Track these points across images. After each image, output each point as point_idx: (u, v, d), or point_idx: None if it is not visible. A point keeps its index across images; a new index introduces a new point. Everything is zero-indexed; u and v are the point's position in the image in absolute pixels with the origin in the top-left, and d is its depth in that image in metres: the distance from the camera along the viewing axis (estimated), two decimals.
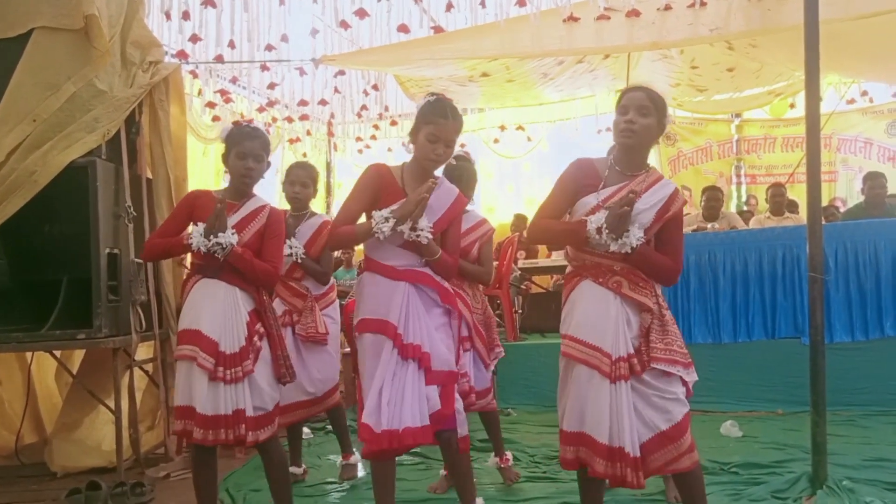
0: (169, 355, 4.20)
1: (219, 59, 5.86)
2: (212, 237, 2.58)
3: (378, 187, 2.59)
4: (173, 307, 4.23)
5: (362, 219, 2.62)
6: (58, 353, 4.13)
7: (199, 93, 6.25)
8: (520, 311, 6.65)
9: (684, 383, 2.33)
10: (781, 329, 5.14)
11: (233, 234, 2.62)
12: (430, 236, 2.51)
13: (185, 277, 2.83)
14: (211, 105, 6.35)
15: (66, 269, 3.71)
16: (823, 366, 3.15)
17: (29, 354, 4.23)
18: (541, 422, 4.85)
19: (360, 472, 3.75)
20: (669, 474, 2.32)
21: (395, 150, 8.87)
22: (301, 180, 3.62)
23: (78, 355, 4.21)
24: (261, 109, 7.21)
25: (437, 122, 2.50)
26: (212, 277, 2.67)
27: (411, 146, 2.61)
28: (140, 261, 3.95)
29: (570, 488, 3.39)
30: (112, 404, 3.79)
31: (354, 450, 3.75)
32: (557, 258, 7.42)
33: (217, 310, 2.64)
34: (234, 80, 6.69)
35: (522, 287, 6.77)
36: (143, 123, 4.14)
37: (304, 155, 8.18)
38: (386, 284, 2.54)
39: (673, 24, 5.21)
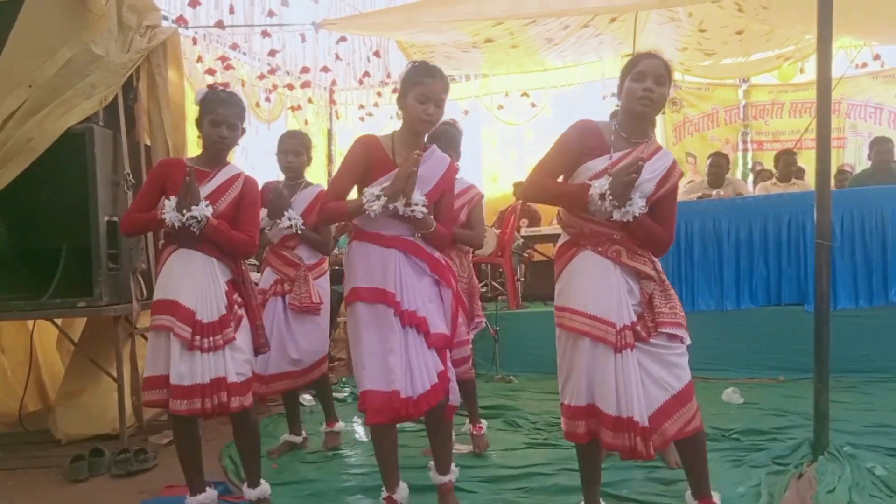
0: None
1: (219, 24, 5.78)
2: (185, 211, 2.53)
3: (367, 160, 2.56)
4: None
5: (353, 193, 2.61)
6: (59, 321, 4.13)
7: (199, 59, 6.16)
8: (522, 279, 6.63)
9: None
10: (785, 296, 5.11)
11: (207, 205, 2.56)
12: (425, 211, 2.49)
13: (160, 247, 2.77)
14: (211, 72, 6.27)
15: (65, 237, 3.70)
16: (828, 333, 3.12)
17: (30, 323, 4.25)
18: (542, 389, 4.86)
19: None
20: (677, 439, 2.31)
21: (396, 118, 8.79)
22: (293, 149, 3.57)
23: (79, 323, 4.22)
24: (262, 77, 7.12)
25: (424, 81, 2.49)
26: (188, 248, 2.63)
27: (400, 113, 2.59)
28: None
29: (570, 454, 3.37)
30: (114, 372, 3.80)
31: (338, 418, 3.80)
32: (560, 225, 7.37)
33: (195, 280, 2.60)
34: (234, 47, 6.59)
35: (525, 255, 6.73)
36: (141, 89, 4.08)
37: (306, 122, 8.11)
38: (377, 253, 2.53)
39: None
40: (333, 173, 8.51)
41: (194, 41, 5.97)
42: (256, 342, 2.73)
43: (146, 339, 4.19)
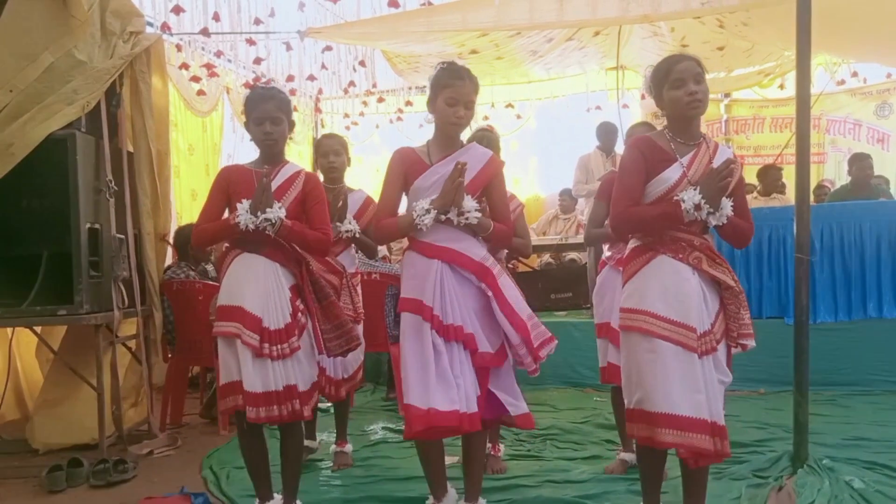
0: (152, 332, 4.17)
1: (204, 31, 5.76)
2: (259, 213, 2.51)
3: (404, 170, 2.56)
4: (156, 283, 4.19)
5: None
6: (38, 329, 4.08)
7: (184, 66, 6.13)
8: None
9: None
10: (766, 309, 5.16)
11: (280, 207, 2.54)
12: (479, 216, 2.48)
13: (223, 251, 2.74)
14: (196, 79, 6.24)
15: (45, 244, 3.65)
16: (807, 346, 3.16)
17: (9, 330, 4.19)
18: (527, 400, 4.83)
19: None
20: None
21: (381, 127, 8.81)
22: (333, 149, 3.51)
23: (59, 331, 4.16)
24: (247, 85, 7.09)
25: (454, 84, 2.47)
26: (252, 252, 2.60)
27: (431, 118, 2.58)
28: (122, 236, 3.90)
29: (553, 466, 3.42)
30: (94, 381, 3.75)
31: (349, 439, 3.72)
32: (543, 237, 7.40)
33: (259, 286, 2.57)
34: (219, 54, 6.57)
35: (510, 266, 6.73)
36: (124, 95, 4.06)
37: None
38: (421, 263, 2.51)
39: None
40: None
41: (178, 48, 5.94)
42: (319, 347, 2.69)
43: (127, 347, 4.19)
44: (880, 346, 4.91)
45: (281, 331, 2.55)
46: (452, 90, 2.47)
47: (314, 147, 3.56)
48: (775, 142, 8.37)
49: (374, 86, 7.60)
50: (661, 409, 2.20)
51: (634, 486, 3.04)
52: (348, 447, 3.68)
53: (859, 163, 5.82)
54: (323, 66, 6.88)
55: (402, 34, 6.02)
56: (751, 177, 7.40)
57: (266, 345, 2.52)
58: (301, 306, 2.65)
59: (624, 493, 2.98)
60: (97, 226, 3.72)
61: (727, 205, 2.26)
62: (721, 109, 8.95)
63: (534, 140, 9.16)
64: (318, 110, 8.52)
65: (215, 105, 6.67)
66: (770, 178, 6.62)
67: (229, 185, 2.65)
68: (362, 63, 6.93)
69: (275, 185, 2.61)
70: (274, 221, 2.52)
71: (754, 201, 6.52)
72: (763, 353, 4.94)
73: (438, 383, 2.38)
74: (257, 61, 6.49)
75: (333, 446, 3.69)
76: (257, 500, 2.71)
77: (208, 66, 6.38)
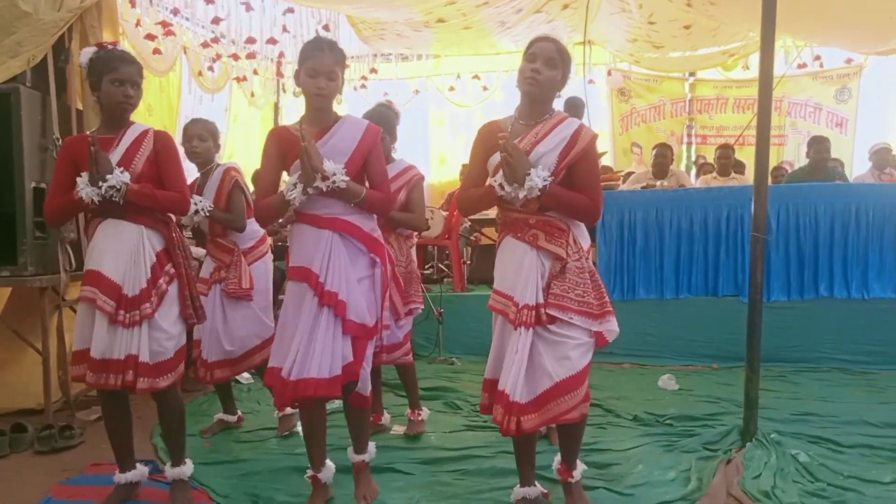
0: None
1: None
2: (101, 183, 2.42)
3: (281, 149, 2.53)
4: None
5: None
6: None
7: (138, 23, 5.89)
8: (468, 261, 6.63)
9: (596, 333, 2.34)
10: (722, 287, 5.24)
11: (122, 171, 2.45)
12: (347, 178, 2.45)
13: (88, 219, 2.64)
14: (151, 37, 6.00)
15: None
16: (760, 324, 3.21)
17: None
18: (484, 371, 4.86)
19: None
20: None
21: (345, 95, 8.64)
22: (197, 134, 3.47)
23: (3, 294, 4.02)
24: (205, 45, 6.87)
25: (314, 55, 2.46)
26: (117, 218, 2.52)
27: (297, 91, 2.58)
28: None
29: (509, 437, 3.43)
30: (39, 345, 3.64)
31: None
32: None
33: (121, 251, 2.50)
34: (175, 12, 6.32)
35: (472, 238, 6.74)
36: (73, 51, 3.89)
37: (252, 94, 7.89)
38: (311, 233, 2.51)
39: None
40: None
41: (132, 3, 5.70)
42: (184, 313, 2.61)
43: (74, 311, 4.05)
44: (829, 324, 5.03)
45: (136, 297, 2.48)
46: (313, 61, 2.44)
47: (182, 129, 3.52)
48: (738, 122, 8.45)
49: None
50: (489, 376, 2.42)
51: (588, 456, 3.07)
52: (289, 409, 3.63)
53: (817, 145, 5.90)
54: (284, 29, 6.69)
55: (367, 1, 5.89)
56: (712, 156, 7.48)
57: (122, 311, 2.45)
58: (171, 270, 2.58)
59: None
60: (43, 185, 3.58)
61: (537, 174, 2.26)
62: (685, 88, 9.00)
63: (499, 112, 8.97)
64: (279, 74, 8.30)
65: (172, 65, 6.44)
66: (717, 156, 6.70)
67: (76, 158, 2.53)
68: (326, 27, 6.75)
69: (122, 148, 2.52)
70: (118, 187, 2.44)
71: (714, 181, 6.59)
72: (717, 330, 5.09)
73: (304, 352, 2.42)
74: (216, 21, 6.27)
75: (275, 411, 3.67)
76: (117, 469, 2.66)
77: (164, 24, 6.14)
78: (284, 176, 2.60)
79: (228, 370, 3.50)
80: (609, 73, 8.65)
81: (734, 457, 3.04)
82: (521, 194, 2.29)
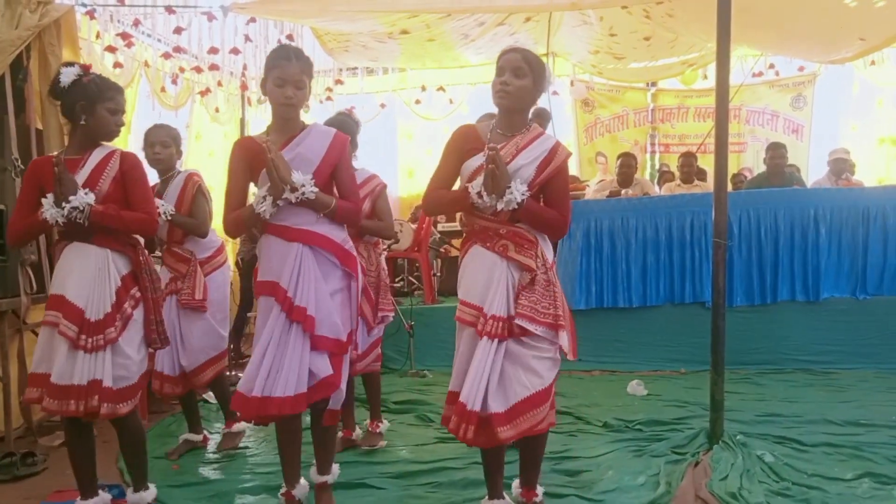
0: None
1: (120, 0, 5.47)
2: (64, 204, 2.39)
3: (248, 161, 2.52)
4: None
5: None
6: None
7: (98, 36, 5.80)
8: (438, 274, 6.65)
9: (560, 347, 2.36)
10: (687, 293, 5.33)
11: (86, 193, 2.43)
12: (316, 189, 2.44)
13: (55, 241, 2.61)
14: (111, 49, 5.91)
15: None
16: (723, 328, 3.28)
17: None
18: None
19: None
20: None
21: (311, 107, 8.60)
22: (160, 139, 3.44)
23: None
24: (166, 56, 6.78)
25: (281, 64, 2.45)
26: (82, 241, 2.50)
27: (263, 99, 2.56)
28: None
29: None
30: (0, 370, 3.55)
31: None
32: None
33: (86, 275, 2.47)
34: (136, 24, 6.24)
35: (441, 250, 6.75)
36: (32, 70, 3.82)
37: (217, 110, 7.81)
38: (279, 246, 2.49)
39: None
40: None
41: (91, 15, 5.61)
42: (148, 338, 2.59)
43: (36, 334, 3.96)
44: (791, 327, 5.15)
45: (100, 321, 2.45)
46: (280, 70, 2.45)
47: (144, 135, 3.51)
48: (699, 131, 8.62)
49: None
50: (454, 388, 2.36)
51: (559, 465, 3.11)
52: (237, 426, 3.64)
53: (773, 151, 6.04)
54: (247, 39, 6.64)
55: (330, 12, 5.88)
56: (675, 165, 7.61)
57: (84, 336, 2.42)
58: (137, 294, 2.56)
59: (548, 472, 3.02)
60: (2, 207, 3.50)
61: (517, 188, 2.29)
62: (648, 98, 9.16)
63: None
64: (244, 87, 8.23)
65: (131, 80, 6.35)
66: (680, 164, 6.83)
67: (41, 179, 2.50)
68: (290, 37, 6.71)
69: (88, 169, 2.51)
70: (82, 208, 2.42)
71: (677, 188, 6.71)
72: (684, 335, 5.17)
73: (271, 369, 2.41)
74: (177, 31, 6.20)
75: (223, 426, 3.67)
76: (79, 496, 2.60)
77: (125, 36, 6.06)
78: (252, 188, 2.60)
79: (180, 387, 3.45)
80: (572, 84, 8.76)
81: (702, 459, 3.09)
82: (500, 206, 2.30)
